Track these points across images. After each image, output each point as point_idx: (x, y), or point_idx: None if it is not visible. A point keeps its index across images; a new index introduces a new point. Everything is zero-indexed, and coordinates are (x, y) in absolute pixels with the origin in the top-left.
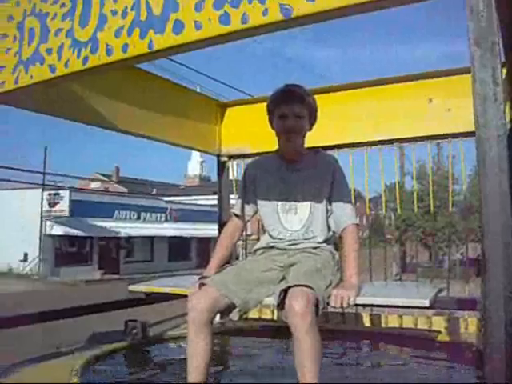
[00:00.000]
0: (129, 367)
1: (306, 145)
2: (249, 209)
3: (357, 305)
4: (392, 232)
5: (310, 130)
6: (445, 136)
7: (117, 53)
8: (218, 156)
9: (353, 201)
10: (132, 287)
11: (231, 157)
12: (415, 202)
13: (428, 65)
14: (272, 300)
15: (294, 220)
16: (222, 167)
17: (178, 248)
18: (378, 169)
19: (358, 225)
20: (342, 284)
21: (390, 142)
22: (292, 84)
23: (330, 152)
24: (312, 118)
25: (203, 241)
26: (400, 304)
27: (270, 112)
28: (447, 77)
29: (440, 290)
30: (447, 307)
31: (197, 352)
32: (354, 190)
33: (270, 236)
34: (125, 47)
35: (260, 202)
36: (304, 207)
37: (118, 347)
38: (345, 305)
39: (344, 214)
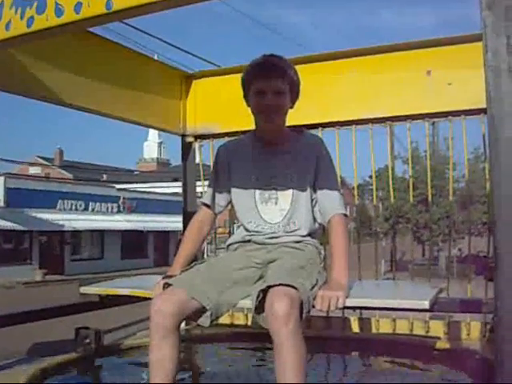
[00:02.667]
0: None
1: (286, 124)
2: (221, 199)
3: (345, 307)
4: (381, 224)
5: (292, 107)
6: (445, 114)
7: (68, 13)
8: (183, 136)
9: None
10: (84, 289)
11: (198, 137)
12: (410, 190)
13: (425, 32)
14: (247, 303)
15: (273, 211)
16: (186, 149)
17: (133, 243)
18: (365, 152)
19: (346, 215)
20: (329, 284)
21: (382, 120)
22: (270, 54)
23: (312, 131)
24: (294, 94)
25: (162, 235)
26: (395, 306)
27: (246, 87)
28: (448, 46)
29: (440, 290)
30: (448, 309)
31: (162, 362)
32: (341, 177)
33: (246, 229)
34: (78, 7)
35: (234, 191)
36: (285, 196)
37: (67, 359)
38: (332, 308)
39: (330, 203)
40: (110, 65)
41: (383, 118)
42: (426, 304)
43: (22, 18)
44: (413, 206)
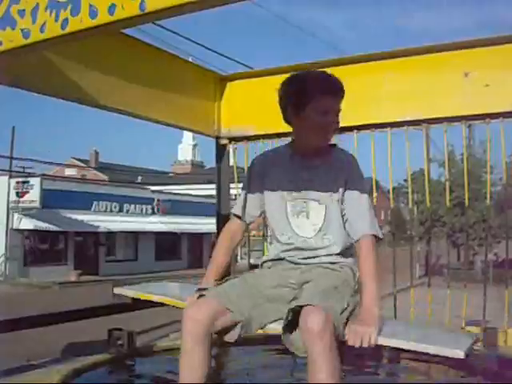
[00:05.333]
0: None
1: None
2: (253, 209)
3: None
4: (416, 228)
5: None
6: (482, 116)
7: (102, 15)
8: (217, 138)
9: (374, 195)
10: (117, 290)
11: (232, 139)
12: (447, 193)
13: (463, 33)
14: (277, 326)
15: (305, 225)
16: (221, 151)
17: (167, 245)
18: (400, 155)
19: (376, 236)
20: (361, 315)
21: (417, 122)
22: (324, 71)
23: (347, 134)
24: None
25: (196, 237)
26: (430, 352)
27: (301, 101)
28: (486, 47)
29: (476, 340)
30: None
31: (192, 368)
32: (376, 181)
33: (279, 242)
34: (112, 8)
35: (268, 202)
36: (317, 210)
37: (100, 360)
38: (365, 345)
39: (360, 223)
40: (144, 66)
41: (419, 120)
42: (460, 354)
43: (56, 20)
44: (449, 210)
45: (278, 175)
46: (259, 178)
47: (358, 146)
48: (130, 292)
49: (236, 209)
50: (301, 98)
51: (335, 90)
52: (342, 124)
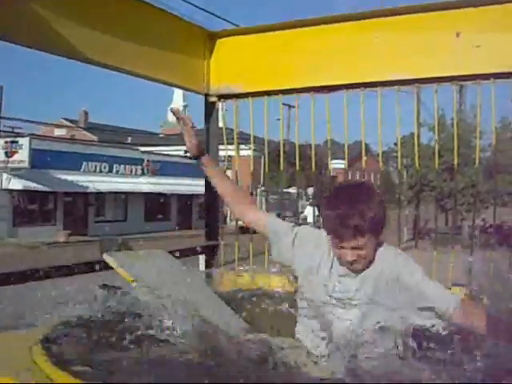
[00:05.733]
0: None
1: (313, 83)
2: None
3: None
4: (405, 192)
5: (378, 238)
6: (473, 77)
7: None
8: (206, 96)
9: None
10: (106, 257)
11: (221, 97)
12: (436, 156)
13: None
14: None
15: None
16: (210, 109)
17: (156, 206)
18: (390, 118)
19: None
20: None
21: (408, 82)
22: (346, 186)
23: (338, 92)
24: (379, 229)
25: (185, 198)
26: None
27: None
28: (478, 7)
29: None
30: None
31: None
32: (365, 144)
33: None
34: None
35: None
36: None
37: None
38: None
39: (442, 302)
40: (132, 22)
41: (410, 79)
42: None
43: None
44: (438, 174)
45: (317, 263)
46: (298, 248)
47: (348, 107)
48: (114, 264)
49: (272, 221)
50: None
51: (342, 228)
52: (331, 82)
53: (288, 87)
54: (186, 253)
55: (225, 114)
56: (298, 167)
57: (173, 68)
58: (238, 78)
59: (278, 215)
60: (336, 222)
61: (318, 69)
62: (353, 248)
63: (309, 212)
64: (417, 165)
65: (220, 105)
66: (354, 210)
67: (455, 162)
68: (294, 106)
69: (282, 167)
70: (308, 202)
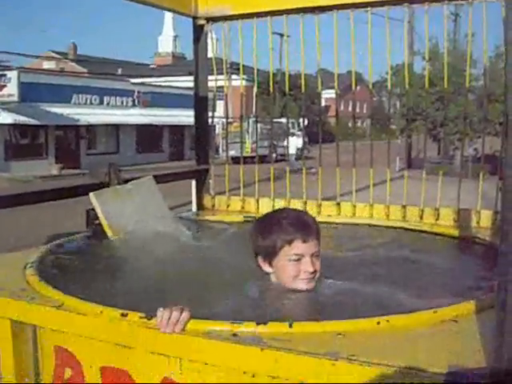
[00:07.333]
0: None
1: (302, 4)
2: None
3: None
4: (397, 121)
5: None
6: None
7: None
8: (194, 18)
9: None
10: (92, 199)
11: (210, 19)
12: (426, 81)
13: None
14: None
15: None
16: (198, 32)
17: (148, 138)
18: (382, 47)
19: None
20: None
21: (400, 2)
22: (291, 209)
23: (327, 13)
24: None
25: (177, 129)
26: None
27: (271, 249)
28: None
29: None
30: None
31: None
32: (355, 73)
33: None
34: None
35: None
36: None
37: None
38: None
39: None
40: None
41: None
42: None
43: None
44: (431, 104)
45: None
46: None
47: (339, 35)
48: (97, 208)
49: None
50: (267, 247)
51: (305, 231)
52: (320, 3)
53: (277, 8)
54: (177, 177)
55: (214, 43)
56: (287, 95)
57: None
58: None
59: (270, 145)
60: (295, 226)
61: None
62: (313, 255)
63: (292, 143)
64: (407, 88)
65: (209, 27)
66: (304, 213)
67: (446, 90)
68: (286, 36)
69: (273, 95)
70: (300, 132)
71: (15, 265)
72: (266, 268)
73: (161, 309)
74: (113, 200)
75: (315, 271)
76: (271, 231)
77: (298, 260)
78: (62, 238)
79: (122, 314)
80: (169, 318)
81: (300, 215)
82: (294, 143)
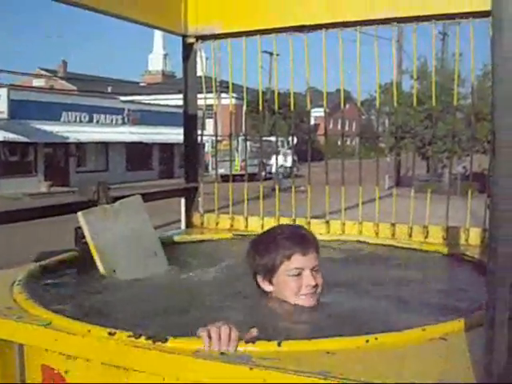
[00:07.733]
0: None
1: (291, 22)
2: None
3: None
4: (386, 139)
5: None
6: (452, 15)
7: None
8: (183, 37)
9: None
10: (80, 218)
11: (199, 37)
12: (414, 99)
13: None
14: None
15: None
16: (188, 51)
17: (138, 156)
18: (371, 66)
19: None
20: None
21: (387, 21)
22: (286, 225)
23: (317, 32)
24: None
25: (167, 147)
26: None
27: (271, 267)
28: None
29: None
30: None
31: None
32: (344, 92)
33: None
34: None
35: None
36: None
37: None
38: None
39: None
40: None
41: (389, 18)
42: None
43: None
44: (419, 122)
45: None
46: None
47: (327, 53)
48: (84, 226)
49: None
50: (267, 265)
51: (304, 246)
52: (309, 22)
53: (266, 27)
54: (166, 195)
55: (204, 62)
56: (276, 113)
57: (149, 7)
58: (216, 17)
59: (259, 163)
60: (292, 239)
61: (297, 8)
62: (313, 269)
63: (274, 161)
64: (395, 106)
65: (198, 46)
66: (300, 227)
67: (435, 109)
68: (275, 54)
69: (262, 113)
70: (289, 151)
71: (2, 282)
72: (266, 287)
73: (203, 328)
74: (100, 220)
75: (317, 285)
76: (269, 249)
77: (299, 275)
78: (51, 256)
79: (110, 333)
80: (219, 338)
81: (296, 230)
82: (281, 162)
